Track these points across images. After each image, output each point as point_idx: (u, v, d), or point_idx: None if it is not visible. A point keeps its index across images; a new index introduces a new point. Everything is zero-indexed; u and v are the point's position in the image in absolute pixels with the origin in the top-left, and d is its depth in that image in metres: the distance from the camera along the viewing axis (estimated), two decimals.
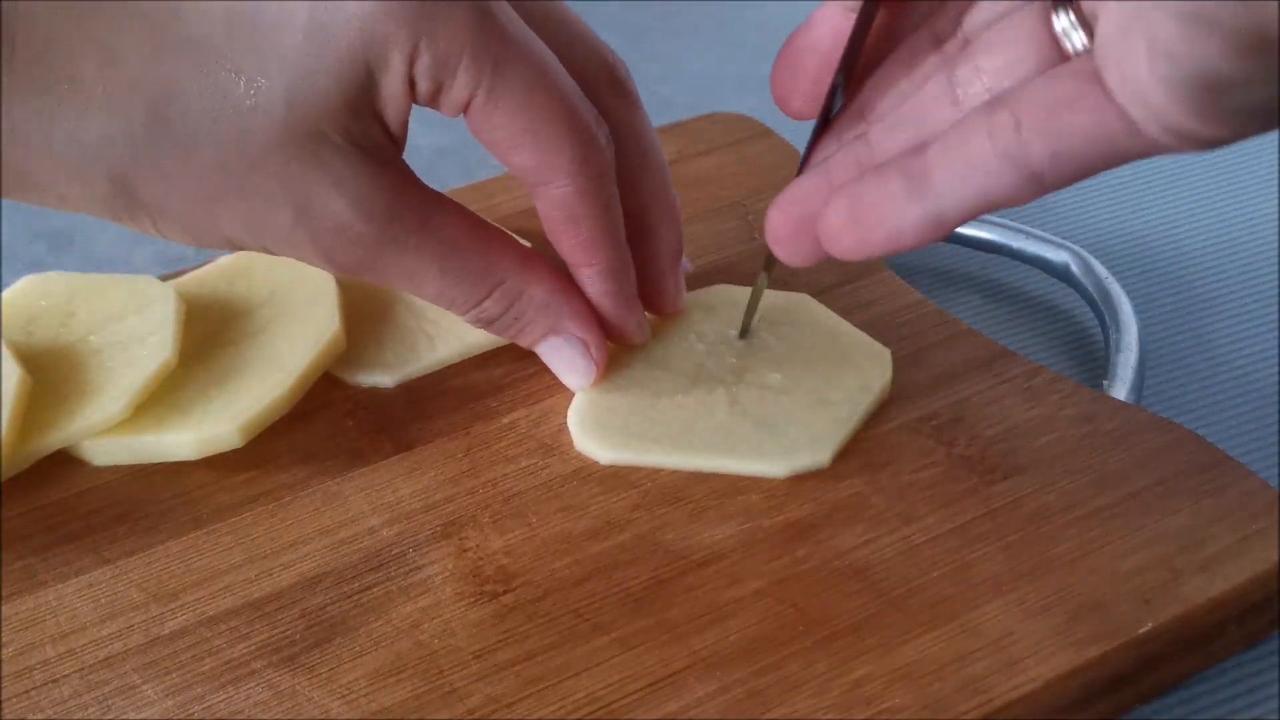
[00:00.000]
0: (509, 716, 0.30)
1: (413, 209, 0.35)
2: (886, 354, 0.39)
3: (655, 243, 0.39)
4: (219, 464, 0.38)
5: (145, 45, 0.32)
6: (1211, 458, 0.36)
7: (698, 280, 0.43)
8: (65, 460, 0.38)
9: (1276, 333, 0.45)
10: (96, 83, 0.32)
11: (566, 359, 0.38)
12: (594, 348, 0.38)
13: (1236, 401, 0.42)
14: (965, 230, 0.48)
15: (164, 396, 0.39)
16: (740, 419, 0.37)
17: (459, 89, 0.33)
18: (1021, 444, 0.37)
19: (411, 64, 0.32)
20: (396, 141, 0.35)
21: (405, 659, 0.32)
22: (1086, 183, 0.53)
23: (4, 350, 0.39)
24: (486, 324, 0.37)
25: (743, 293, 0.42)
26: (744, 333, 0.40)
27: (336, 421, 0.39)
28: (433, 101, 0.34)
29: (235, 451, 0.38)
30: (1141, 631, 0.31)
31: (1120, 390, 0.39)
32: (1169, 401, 0.42)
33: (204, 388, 0.39)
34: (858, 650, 0.31)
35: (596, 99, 0.36)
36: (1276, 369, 0.43)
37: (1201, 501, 0.34)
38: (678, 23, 0.69)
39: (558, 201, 0.35)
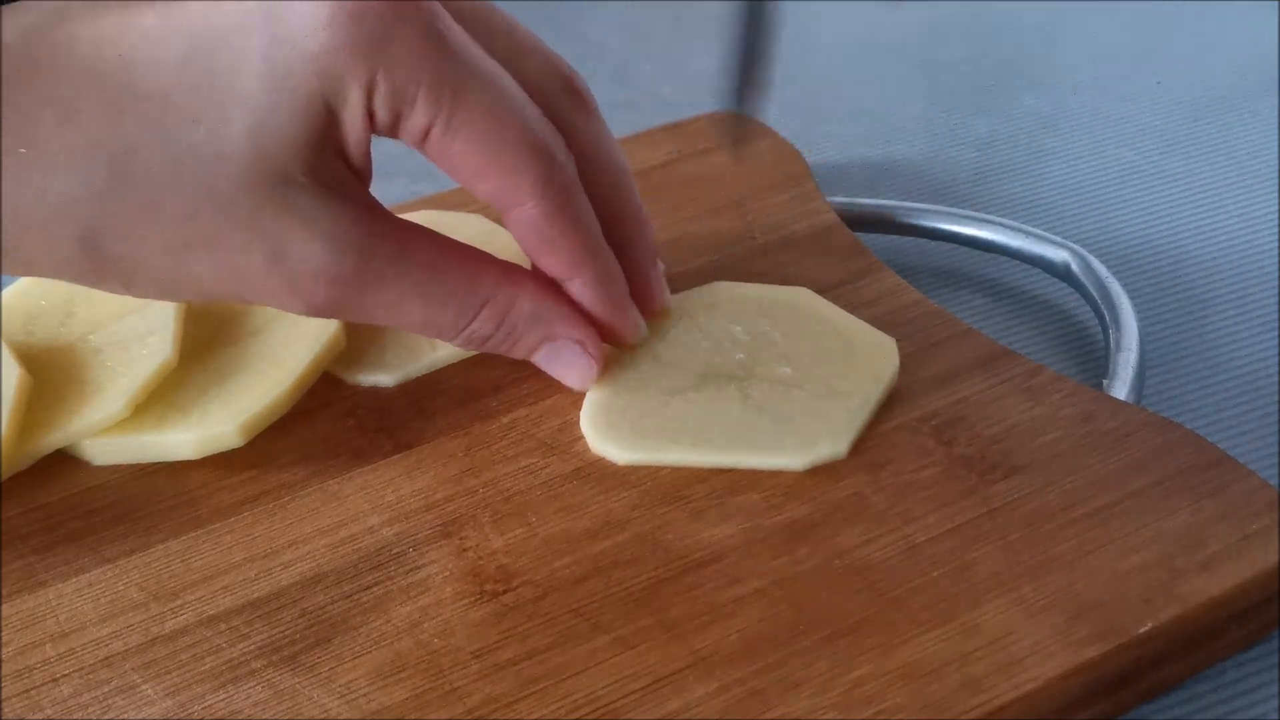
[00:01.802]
0: (509, 716, 0.30)
1: (387, 240, 0.34)
2: (892, 343, 0.39)
3: (627, 249, 0.39)
4: (219, 463, 0.38)
5: (102, 100, 0.32)
6: (1211, 457, 0.36)
7: (697, 279, 0.43)
8: (65, 460, 0.38)
9: (1276, 332, 0.45)
10: (55, 141, 0.32)
11: (565, 362, 0.38)
12: (590, 345, 0.38)
13: (1236, 401, 0.42)
14: (965, 230, 0.48)
15: (164, 396, 0.39)
16: (755, 413, 0.37)
17: (418, 118, 0.33)
18: (1022, 443, 0.37)
19: (370, 96, 0.32)
20: (361, 175, 0.35)
21: (405, 658, 0.32)
22: (1086, 183, 0.53)
23: (4, 350, 0.39)
24: (479, 344, 0.37)
25: (743, 289, 0.42)
26: None
27: (336, 421, 0.39)
28: (392, 131, 0.34)
29: (235, 451, 0.38)
30: (1142, 631, 0.31)
31: (1120, 390, 0.39)
32: (1169, 401, 0.42)
33: (204, 387, 0.39)
34: (858, 650, 0.31)
35: (554, 113, 0.36)
36: (1276, 369, 0.43)
37: (1202, 501, 0.34)
38: (679, 22, 0.69)
39: (528, 224, 0.35)
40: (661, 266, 0.42)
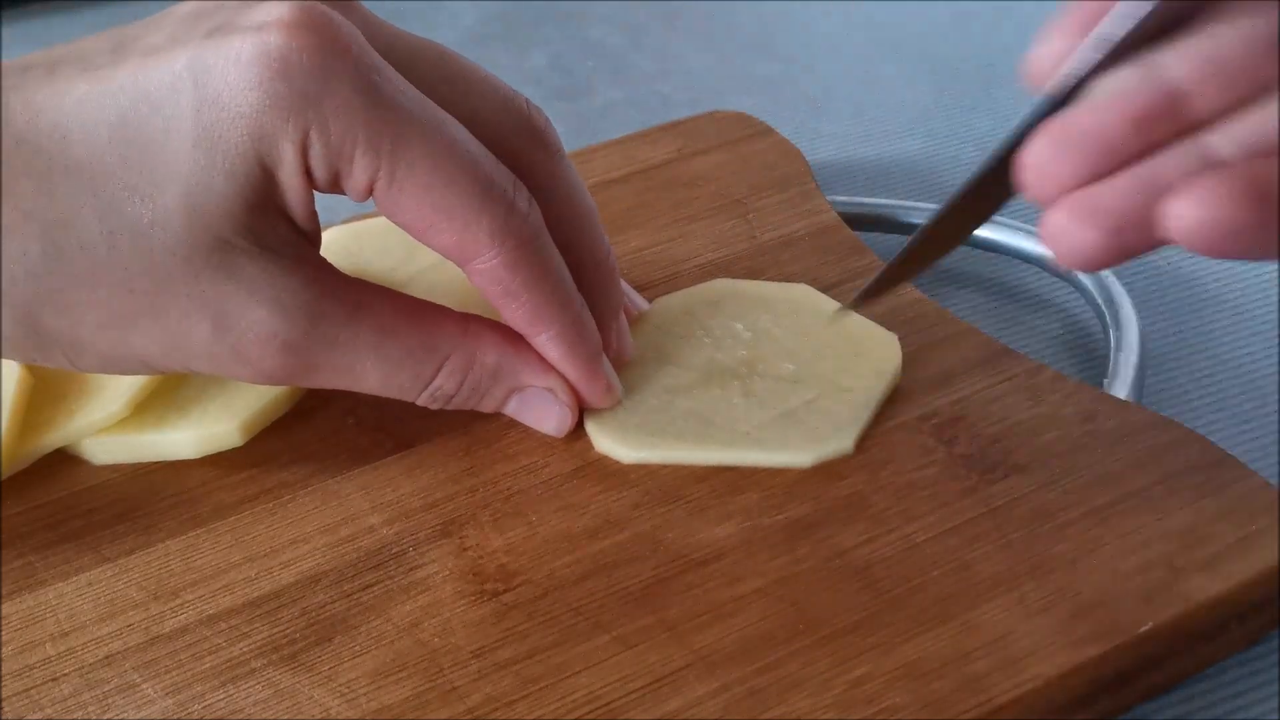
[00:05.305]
0: (509, 715, 0.30)
1: (337, 302, 0.34)
2: (893, 339, 0.39)
3: (591, 298, 0.37)
4: (219, 462, 0.38)
5: (36, 175, 0.31)
6: (1212, 457, 0.36)
7: (698, 276, 0.43)
8: (65, 459, 0.38)
9: (1277, 332, 0.45)
10: None
11: (538, 412, 0.37)
12: (561, 392, 0.37)
13: (1237, 400, 0.42)
14: None
15: (164, 395, 0.39)
16: (760, 410, 0.37)
17: (358, 174, 0.32)
18: (1022, 442, 0.37)
19: (305, 154, 0.31)
20: (307, 235, 0.34)
21: (405, 658, 0.32)
22: None
23: None
24: (445, 402, 0.36)
25: (744, 287, 0.42)
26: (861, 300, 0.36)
27: (337, 420, 0.39)
28: (334, 188, 0.33)
29: (235, 450, 0.38)
30: (1142, 630, 0.31)
31: (1121, 389, 0.39)
32: (1169, 400, 0.42)
33: (204, 385, 0.39)
34: (858, 649, 0.31)
35: (515, 154, 0.35)
36: (1276, 368, 0.43)
37: (1202, 500, 0.34)
38: (678, 21, 0.69)
39: (489, 277, 0.34)
40: (643, 303, 0.41)
